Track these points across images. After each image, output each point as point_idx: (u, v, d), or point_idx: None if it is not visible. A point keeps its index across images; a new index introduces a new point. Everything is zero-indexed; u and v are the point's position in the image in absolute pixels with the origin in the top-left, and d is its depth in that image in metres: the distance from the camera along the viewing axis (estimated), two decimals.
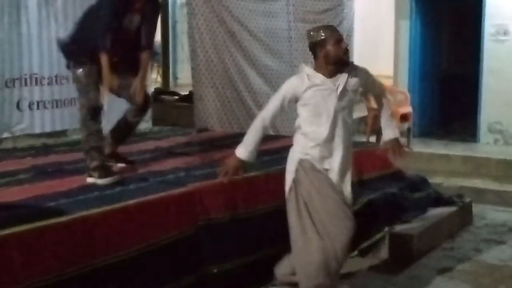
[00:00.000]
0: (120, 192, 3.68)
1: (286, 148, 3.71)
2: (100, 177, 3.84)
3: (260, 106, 6.11)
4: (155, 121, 7.05)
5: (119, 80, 3.99)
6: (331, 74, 3.46)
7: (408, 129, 8.06)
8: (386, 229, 4.63)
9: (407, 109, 8.01)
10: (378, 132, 7.82)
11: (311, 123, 3.48)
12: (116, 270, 3.24)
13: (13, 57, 5.71)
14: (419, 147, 7.92)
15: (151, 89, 7.48)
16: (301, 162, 3.49)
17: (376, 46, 8.72)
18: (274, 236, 3.85)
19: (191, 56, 6.61)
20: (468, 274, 4.31)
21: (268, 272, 3.78)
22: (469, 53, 8.82)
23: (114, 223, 3.32)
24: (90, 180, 3.87)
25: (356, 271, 4.27)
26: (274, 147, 4.96)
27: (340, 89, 3.45)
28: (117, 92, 4.13)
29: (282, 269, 3.72)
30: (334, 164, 3.50)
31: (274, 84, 6.74)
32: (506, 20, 7.77)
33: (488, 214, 5.84)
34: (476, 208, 5.72)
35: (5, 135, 5.73)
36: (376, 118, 7.79)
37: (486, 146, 7.92)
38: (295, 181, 3.49)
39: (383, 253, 4.54)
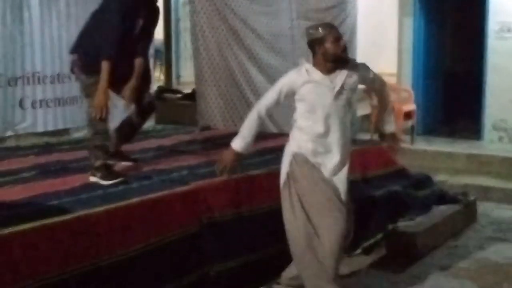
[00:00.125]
0: (123, 191, 3.67)
1: None
2: (103, 177, 3.83)
3: None
4: (158, 119, 7.04)
5: (119, 85, 3.98)
6: (329, 71, 3.49)
7: (412, 127, 8.04)
8: (390, 227, 4.61)
9: (411, 106, 8.00)
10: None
11: (307, 118, 3.51)
12: (119, 268, 3.24)
13: (16, 55, 5.71)
14: (423, 145, 7.90)
15: (154, 89, 7.48)
16: (295, 156, 3.53)
17: (380, 44, 8.68)
18: (278, 234, 3.84)
19: (194, 54, 6.59)
20: (472, 272, 4.30)
21: (271, 271, 3.77)
22: (473, 50, 8.79)
23: (117, 221, 3.32)
24: (93, 179, 3.87)
25: (360, 269, 4.26)
26: (277, 145, 4.93)
27: (337, 88, 3.46)
28: (121, 94, 4.13)
29: (287, 272, 3.75)
30: (327, 160, 3.51)
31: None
32: (510, 18, 7.73)
33: (492, 212, 5.83)
34: (481, 206, 5.71)
35: (8, 133, 5.74)
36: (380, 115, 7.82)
37: (490, 143, 7.89)
38: (288, 174, 3.52)
39: (387, 251, 4.53)
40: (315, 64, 3.52)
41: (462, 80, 9.20)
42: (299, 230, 3.47)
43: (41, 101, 5.96)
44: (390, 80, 8.21)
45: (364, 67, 3.61)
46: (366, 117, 8.10)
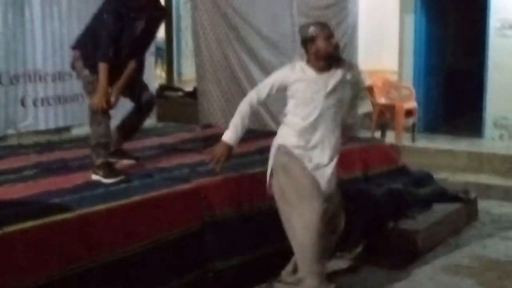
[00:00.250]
0: (125, 189, 3.68)
1: None
2: (105, 176, 3.84)
3: None
4: (160, 117, 7.06)
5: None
6: (321, 70, 3.53)
7: (413, 124, 8.03)
8: (391, 224, 4.62)
9: (412, 104, 7.98)
10: (383, 127, 7.83)
11: (295, 114, 3.56)
12: (121, 266, 3.25)
13: (17, 53, 5.72)
14: (424, 142, 7.89)
15: (155, 87, 7.48)
16: (279, 148, 3.59)
17: (381, 41, 8.66)
18: (279, 232, 3.84)
19: (195, 52, 6.60)
20: (473, 269, 4.30)
21: (273, 268, 3.78)
22: (474, 47, 8.78)
23: (119, 219, 3.33)
24: (95, 177, 3.87)
25: (361, 267, 4.26)
26: None
27: (330, 87, 3.49)
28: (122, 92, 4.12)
29: (287, 270, 3.79)
30: (312, 155, 3.55)
31: None
32: (511, 15, 7.72)
33: (493, 209, 5.82)
34: (482, 204, 5.70)
35: (10, 131, 5.75)
36: (381, 113, 7.83)
37: (491, 141, 7.87)
38: (273, 165, 3.59)
39: (387, 248, 4.53)
40: (309, 62, 3.57)
41: (463, 77, 9.18)
42: (290, 222, 3.55)
43: (42, 99, 5.97)
44: (392, 78, 8.23)
45: (355, 68, 3.69)
46: (367, 115, 8.09)
